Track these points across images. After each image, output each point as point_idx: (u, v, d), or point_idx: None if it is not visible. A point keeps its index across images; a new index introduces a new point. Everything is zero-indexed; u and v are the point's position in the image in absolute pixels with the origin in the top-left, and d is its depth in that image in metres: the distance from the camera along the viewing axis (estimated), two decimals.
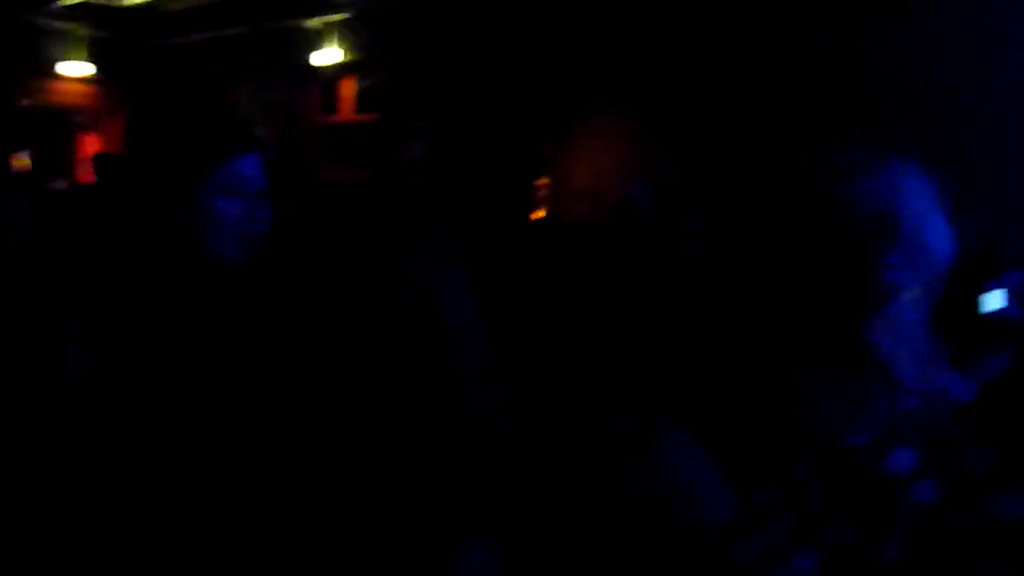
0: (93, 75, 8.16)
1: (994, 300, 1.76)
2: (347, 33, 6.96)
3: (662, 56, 5.09)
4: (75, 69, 8.03)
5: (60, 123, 8.82)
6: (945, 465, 0.73)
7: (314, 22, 7.04)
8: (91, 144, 9.05)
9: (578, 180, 5.54)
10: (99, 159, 6.69)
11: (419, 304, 0.81)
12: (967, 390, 1.40)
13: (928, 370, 1.36)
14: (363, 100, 7.38)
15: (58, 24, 7.90)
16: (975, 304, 1.76)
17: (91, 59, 8.07)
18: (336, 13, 6.87)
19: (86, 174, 7.50)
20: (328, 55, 7.00)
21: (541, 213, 5.80)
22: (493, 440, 0.85)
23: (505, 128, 5.95)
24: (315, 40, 7.08)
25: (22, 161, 7.66)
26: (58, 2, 7.24)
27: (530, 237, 5.02)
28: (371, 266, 0.81)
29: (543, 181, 5.97)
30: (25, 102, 8.16)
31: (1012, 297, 1.77)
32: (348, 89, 7.45)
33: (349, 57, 7.03)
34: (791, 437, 1.10)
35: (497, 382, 0.86)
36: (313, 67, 7.17)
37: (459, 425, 0.82)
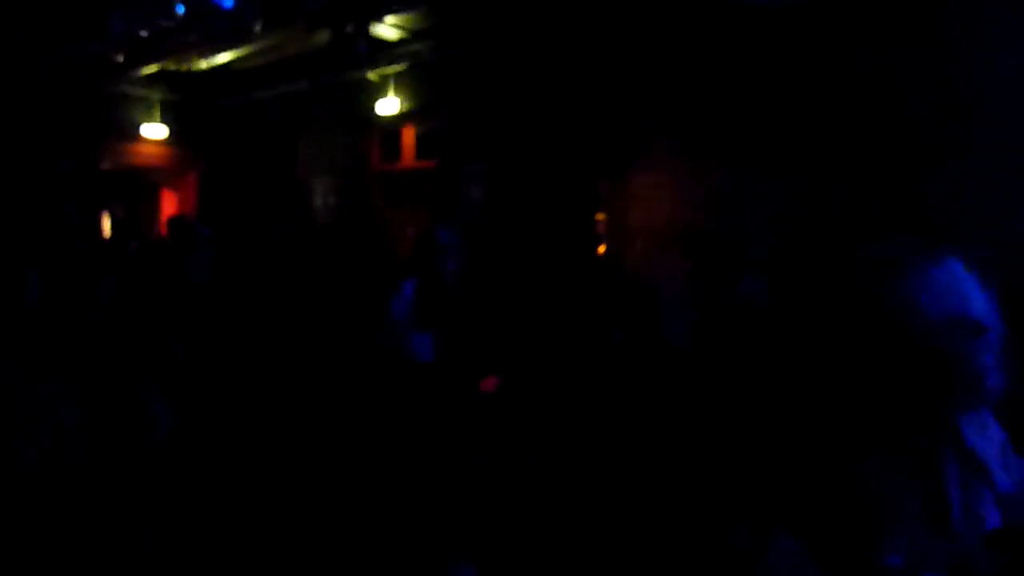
0: (168, 136, 8.61)
1: None
2: (405, 83, 7.20)
3: (721, 92, 5.11)
4: (151, 132, 8.49)
5: (140, 183, 9.33)
6: None
7: (373, 75, 7.31)
8: (169, 201, 9.53)
9: (635, 217, 5.57)
10: (172, 222, 7.07)
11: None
12: None
13: (1013, 463, 1.35)
14: (423, 146, 7.60)
15: (136, 90, 8.39)
16: None
17: (166, 121, 8.52)
18: (394, 65, 7.12)
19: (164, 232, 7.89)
20: (388, 105, 7.24)
21: (601, 249, 5.84)
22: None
23: (561, 166, 6.04)
24: (375, 91, 7.35)
25: (105, 222, 8.12)
26: (137, 71, 7.68)
27: (593, 275, 5.06)
28: None
29: (601, 217, 6.03)
30: (106, 165, 8.65)
31: None
32: (408, 136, 7.68)
33: (408, 106, 7.26)
34: (874, 534, 1.11)
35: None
36: (374, 117, 7.42)
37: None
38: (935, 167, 4.16)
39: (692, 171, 5.30)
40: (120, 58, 7.12)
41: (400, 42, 6.98)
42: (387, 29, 6.73)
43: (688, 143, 5.34)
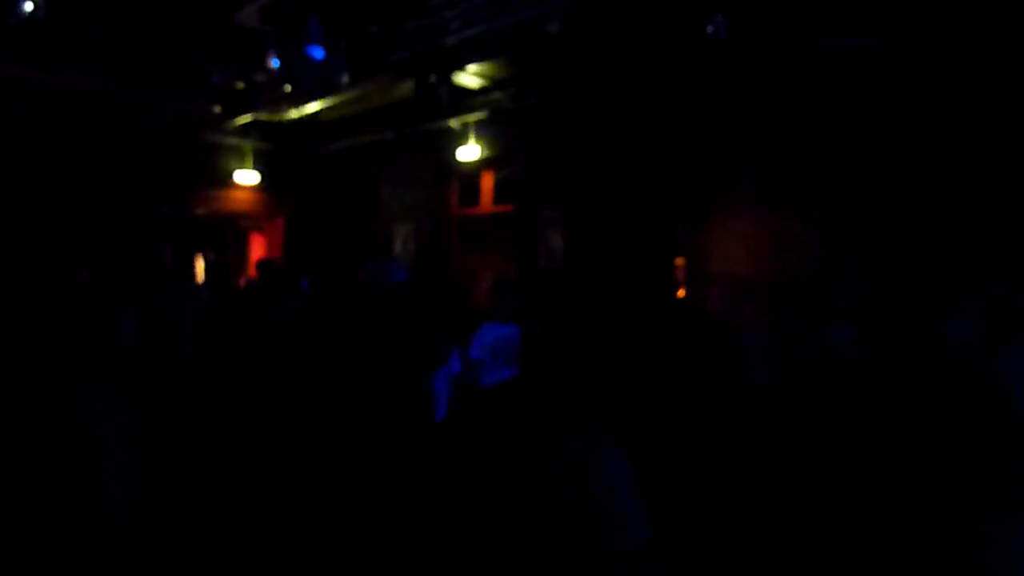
0: (259, 183, 8.99)
1: None
2: (484, 131, 7.34)
3: (801, 138, 5.03)
4: (243, 178, 8.89)
5: (231, 228, 9.75)
6: None
7: (454, 123, 7.50)
8: (258, 245, 9.92)
9: (713, 263, 5.49)
10: (261, 264, 7.36)
11: (575, 482, 0.82)
12: None
13: None
14: (501, 192, 7.71)
15: (229, 140, 8.83)
16: None
17: (257, 168, 8.92)
18: (474, 113, 7.28)
19: (253, 274, 8.20)
20: (468, 152, 7.39)
21: (680, 293, 5.76)
22: None
23: (639, 211, 6.02)
24: (455, 139, 7.52)
25: (199, 264, 8.50)
26: (231, 122, 8.09)
27: (674, 319, 4.99)
28: (529, 444, 0.84)
29: (679, 261, 5.96)
30: (200, 211, 9.08)
31: None
32: (487, 182, 7.81)
33: (487, 153, 7.40)
34: None
35: (661, 562, 0.85)
36: (453, 163, 7.58)
37: None
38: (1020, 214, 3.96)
39: (771, 218, 5.20)
40: (217, 109, 7.51)
41: (481, 91, 7.15)
42: (468, 78, 6.91)
43: (766, 190, 5.26)
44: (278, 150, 9.16)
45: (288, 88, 6.72)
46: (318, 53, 5.60)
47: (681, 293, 5.75)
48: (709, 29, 4.56)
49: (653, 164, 5.92)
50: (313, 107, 7.74)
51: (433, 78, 6.63)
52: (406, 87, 7.12)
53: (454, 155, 7.49)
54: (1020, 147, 4.05)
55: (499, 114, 7.24)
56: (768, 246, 5.10)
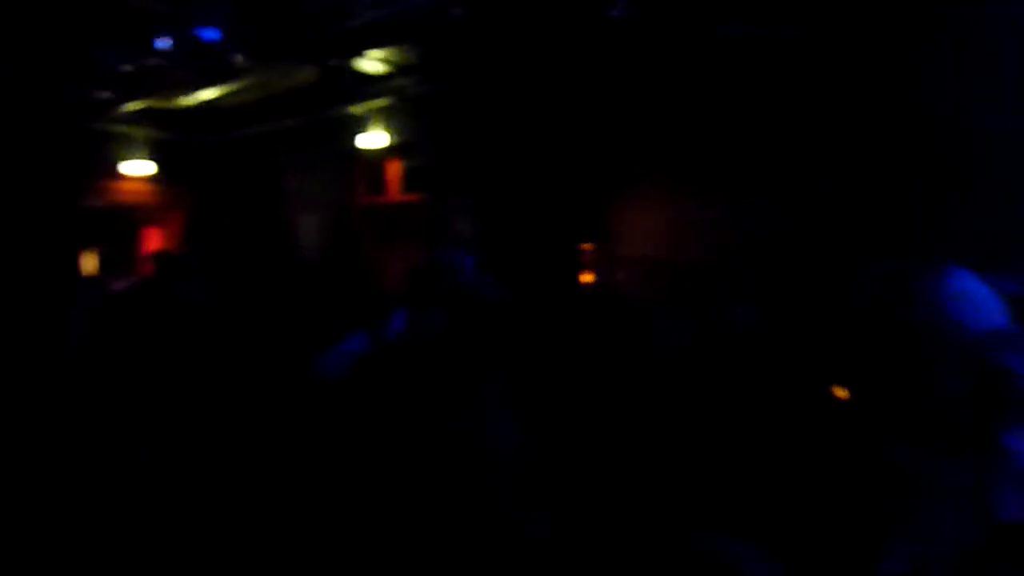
0: (154, 173, 8.58)
1: None
2: (391, 117, 7.23)
3: (706, 123, 5.14)
4: (134, 169, 8.45)
5: (124, 221, 9.27)
6: None
7: (358, 109, 7.34)
8: (153, 239, 9.47)
9: (621, 246, 5.57)
10: (159, 257, 7.01)
11: (466, 429, 0.81)
12: None
13: None
14: (409, 180, 7.61)
15: (121, 128, 8.38)
16: None
17: (152, 158, 8.50)
18: (379, 99, 7.16)
19: (148, 269, 7.81)
20: (373, 139, 7.26)
21: (590, 277, 5.83)
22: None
23: (548, 196, 6.05)
24: (361, 126, 7.37)
25: (90, 260, 8.04)
26: (122, 108, 7.68)
27: (581, 303, 5.04)
28: (425, 394, 0.82)
29: (589, 246, 6.02)
30: (90, 203, 8.59)
31: None
32: (394, 171, 7.69)
33: (393, 140, 7.28)
34: (876, 540, 1.07)
35: (547, 508, 0.85)
36: (360, 151, 7.44)
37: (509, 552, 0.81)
38: (921, 195, 4.17)
39: (676, 201, 5.32)
40: (105, 95, 7.12)
41: (385, 76, 7.03)
42: (372, 64, 6.78)
43: (672, 174, 5.37)
44: (175, 139, 8.75)
45: (183, 72, 6.43)
46: (214, 34, 5.36)
47: (590, 277, 5.82)
48: (613, 13, 4.61)
49: (562, 150, 5.96)
50: (211, 93, 7.44)
51: (336, 63, 6.49)
52: (309, 72, 6.94)
53: (359, 143, 7.34)
54: (910, 131, 4.26)
55: (405, 101, 7.14)
56: (674, 229, 5.21)
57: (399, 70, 6.93)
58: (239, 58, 5.89)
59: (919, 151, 4.20)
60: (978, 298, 1.30)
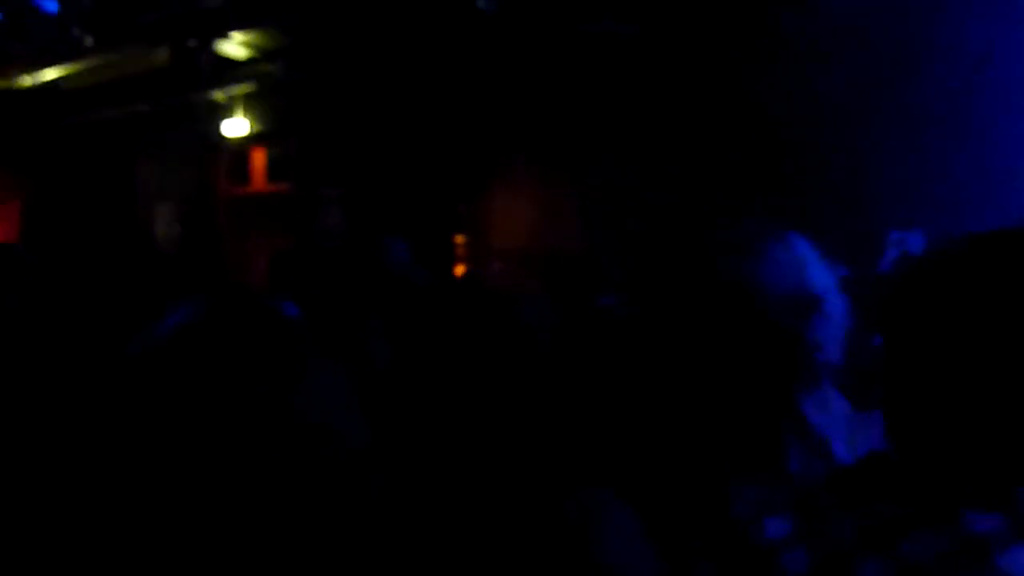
0: None
1: None
2: (255, 104, 6.92)
3: (572, 116, 5.23)
4: None
5: None
6: (816, 533, 0.74)
7: (219, 95, 6.98)
8: None
9: (493, 238, 5.58)
10: None
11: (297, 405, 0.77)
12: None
13: (857, 437, 1.38)
14: (275, 170, 7.32)
15: None
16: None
17: None
18: (241, 85, 6.84)
19: None
20: (235, 126, 6.93)
21: (461, 269, 5.81)
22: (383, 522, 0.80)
23: (419, 188, 5.98)
24: (222, 112, 7.01)
25: None
26: None
27: (450, 294, 4.99)
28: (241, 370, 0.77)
29: (461, 239, 6.00)
30: None
31: None
32: (258, 159, 7.38)
33: (257, 128, 6.98)
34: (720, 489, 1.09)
35: (378, 472, 0.82)
36: (221, 139, 7.08)
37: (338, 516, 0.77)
38: (775, 186, 4.42)
39: (547, 192, 5.39)
40: None
41: (249, 61, 6.72)
42: (234, 47, 6.47)
43: (543, 165, 5.43)
44: (11, 123, 8.02)
45: (17, 48, 5.90)
46: (51, 6, 4.93)
47: (461, 269, 5.80)
48: (481, 4, 4.60)
49: (433, 140, 5.90)
50: (52, 73, 6.87)
51: (193, 44, 6.14)
52: (165, 54, 6.54)
53: (221, 130, 6.99)
54: (755, 122, 4.49)
55: (269, 87, 6.85)
56: (543, 221, 5.27)
57: (263, 55, 6.65)
58: (83, 36, 5.46)
59: (758, 134, 4.47)
60: (797, 262, 1.34)
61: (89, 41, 5.95)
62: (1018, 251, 0.77)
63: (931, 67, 4.20)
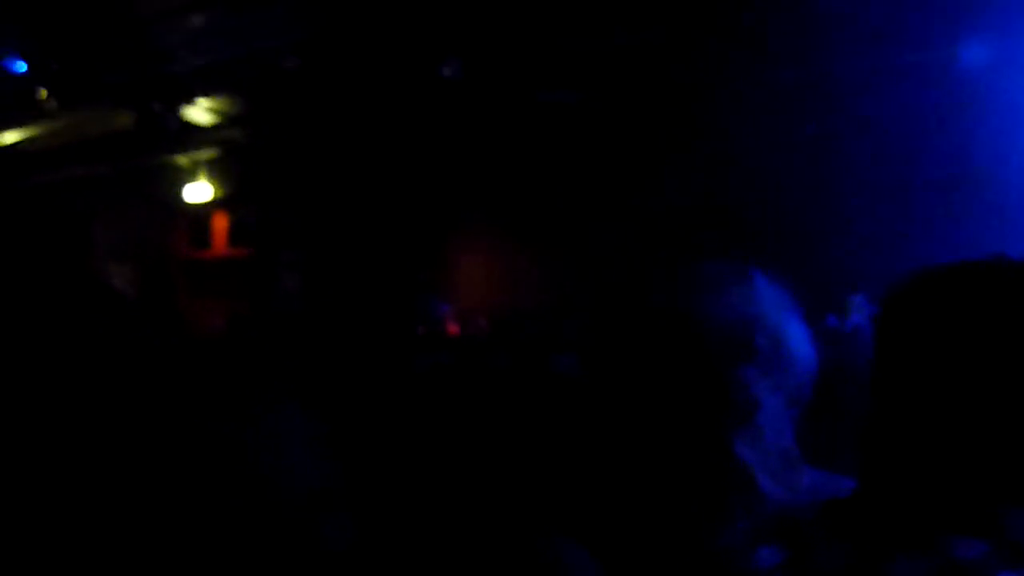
0: None
1: None
2: (217, 169, 6.96)
3: (526, 180, 5.37)
4: None
5: None
6: (806, 561, 0.76)
7: (182, 159, 7.02)
8: None
9: (455, 296, 5.62)
10: None
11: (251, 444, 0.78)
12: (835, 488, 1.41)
13: (793, 475, 1.38)
14: (236, 234, 7.31)
15: None
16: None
17: None
18: (205, 150, 6.89)
19: None
20: (198, 191, 6.94)
21: (423, 330, 5.80)
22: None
23: (378, 252, 6.02)
24: (184, 176, 7.03)
25: None
26: None
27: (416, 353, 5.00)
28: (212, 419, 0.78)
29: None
30: None
31: None
32: (220, 223, 7.37)
33: (220, 192, 7.00)
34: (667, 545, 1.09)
35: (338, 512, 0.81)
36: (182, 203, 7.08)
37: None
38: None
39: (502, 255, 5.48)
40: None
41: (213, 127, 6.78)
42: (200, 113, 6.53)
43: (498, 229, 5.53)
44: None
45: None
46: (18, 67, 4.96)
47: (424, 329, 5.80)
48: (445, 71, 4.75)
49: (392, 205, 5.97)
50: (12, 136, 6.84)
51: (158, 108, 6.19)
52: (128, 117, 6.57)
53: (182, 194, 6.99)
54: (706, 184, 4.66)
55: (234, 152, 6.92)
56: (501, 281, 5.33)
57: (228, 120, 6.72)
58: (48, 97, 5.47)
59: (707, 196, 4.64)
60: (746, 303, 1.31)
61: (53, 103, 5.97)
62: (995, 281, 0.81)
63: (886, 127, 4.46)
